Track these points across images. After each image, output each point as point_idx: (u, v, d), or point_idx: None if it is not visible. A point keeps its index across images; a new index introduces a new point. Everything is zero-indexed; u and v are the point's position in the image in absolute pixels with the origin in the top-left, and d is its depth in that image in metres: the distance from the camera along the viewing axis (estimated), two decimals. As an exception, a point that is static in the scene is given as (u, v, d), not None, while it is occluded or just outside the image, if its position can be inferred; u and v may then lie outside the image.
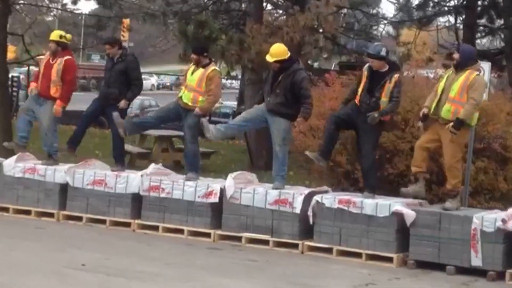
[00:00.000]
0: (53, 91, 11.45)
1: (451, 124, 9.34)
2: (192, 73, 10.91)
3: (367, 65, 10.14)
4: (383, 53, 9.94)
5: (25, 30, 20.09)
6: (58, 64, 11.46)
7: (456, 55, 9.57)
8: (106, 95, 11.40)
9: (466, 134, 9.74)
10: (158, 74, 58.09)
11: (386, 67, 9.96)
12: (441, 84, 9.59)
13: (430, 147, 9.71)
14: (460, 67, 9.49)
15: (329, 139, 10.16)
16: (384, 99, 9.87)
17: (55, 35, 11.73)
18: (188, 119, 10.84)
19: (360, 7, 22.06)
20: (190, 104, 10.79)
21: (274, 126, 10.34)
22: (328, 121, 10.29)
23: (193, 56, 10.97)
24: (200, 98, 10.79)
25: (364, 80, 10.03)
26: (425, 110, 9.61)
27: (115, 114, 10.95)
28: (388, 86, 9.85)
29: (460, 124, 9.33)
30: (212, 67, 10.93)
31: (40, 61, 12.14)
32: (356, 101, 10.04)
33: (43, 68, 11.63)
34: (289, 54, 10.38)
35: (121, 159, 11.51)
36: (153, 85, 57.65)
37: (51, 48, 11.62)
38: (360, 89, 10.03)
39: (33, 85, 11.87)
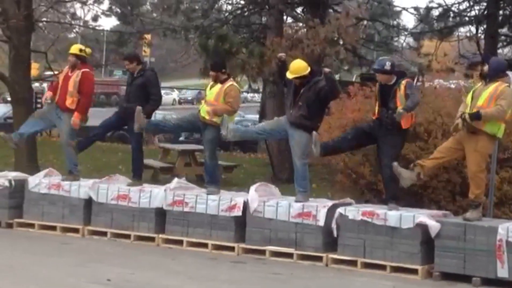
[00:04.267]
0: (69, 102, 11.54)
1: (467, 113, 9.28)
2: (211, 88, 11.02)
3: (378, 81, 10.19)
4: (387, 67, 9.91)
5: (48, 47, 20.26)
6: (75, 76, 11.57)
7: (485, 67, 9.53)
8: (125, 109, 11.47)
9: (491, 145, 9.62)
10: (179, 88, 58.39)
11: (394, 79, 9.95)
12: (469, 96, 9.53)
13: (449, 155, 9.59)
14: (489, 78, 9.44)
15: (339, 142, 10.16)
16: (400, 108, 9.81)
17: (75, 48, 11.85)
18: (207, 133, 10.88)
19: (380, 18, 22.04)
20: (207, 117, 10.83)
21: (295, 139, 10.34)
22: (350, 129, 10.28)
23: (211, 72, 11.08)
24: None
25: (377, 97, 10.07)
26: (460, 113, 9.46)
27: (139, 108, 10.90)
28: (400, 94, 9.83)
29: (476, 116, 9.23)
30: (229, 82, 10.97)
31: (59, 74, 12.32)
32: (375, 115, 10.05)
33: (62, 80, 11.78)
34: (309, 69, 10.40)
35: (138, 173, 11.55)
36: (174, 99, 57.90)
37: (71, 62, 11.74)
38: (376, 106, 10.06)
39: (48, 93, 11.99)
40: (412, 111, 9.85)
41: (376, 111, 10.00)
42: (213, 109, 10.74)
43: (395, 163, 9.66)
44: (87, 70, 11.71)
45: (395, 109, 9.78)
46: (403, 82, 9.87)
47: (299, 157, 10.32)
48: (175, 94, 59.22)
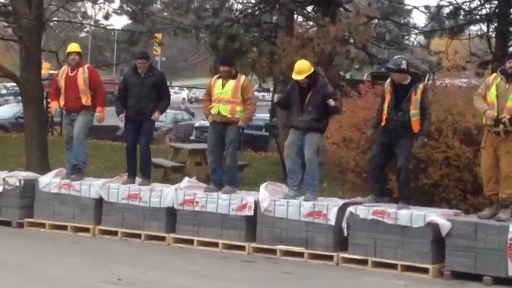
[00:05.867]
0: (85, 100, 11.64)
1: (508, 117, 9.17)
2: (223, 86, 10.91)
3: (388, 80, 10.16)
4: (403, 66, 9.93)
5: (59, 46, 20.29)
6: (82, 73, 11.66)
7: (509, 64, 9.33)
8: (139, 110, 11.46)
9: None
10: (189, 87, 58.45)
11: (409, 79, 9.95)
12: (493, 93, 9.41)
13: (496, 167, 9.48)
14: None
15: (377, 180, 10.19)
16: (413, 111, 9.86)
17: (76, 47, 11.93)
18: (230, 134, 10.83)
19: (391, 17, 22.00)
20: (229, 116, 10.82)
21: (307, 140, 10.36)
22: (371, 167, 10.29)
23: (225, 68, 10.94)
24: (238, 108, 10.82)
25: (388, 96, 10.04)
26: (491, 112, 9.31)
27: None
28: (416, 98, 9.85)
29: None
30: (243, 76, 11.01)
31: (54, 79, 12.28)
32: (383, 119, 10.03)
33: (64, 82, 11.78)
34: (313, 68, 10.47)
35: (146, 172, 11.56)
36: (183, 98, 57.91)
37: (75, 60, 11.79)
38: (386, 106, 10.04)
39: (54, 104, 12.04)
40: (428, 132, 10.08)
41: (385, 111, 9.98)
42: (244, 121, 10.85)
43: (499, 215, 9.45)
44: (89, 65, 11.95)
45: (407, 112, 9.83)
46: (420, 86, 9.91)
47: (310, 156, 10.31)
48: (184, 93, 59.25)
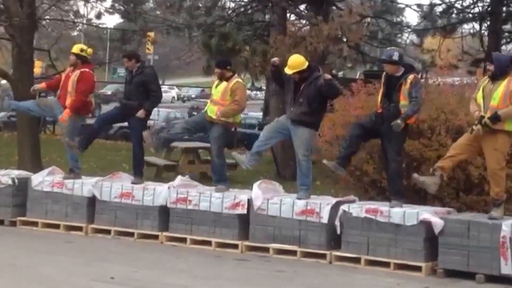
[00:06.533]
0: (68, 101, 11.66)
1: (488, 116, 9.17)
2: (216, 86, 10.99)
3: (385, 72, 10.15)
4: (395, 57, 9.84)
5: (51, 45, 20.26)
6: (74, 76, 11.68)
7: (490, 67, 9.38)
8: (125, 107, 11.51)
9: (509, 141, 9.44)
10: (179, 86, 58.46)
11: (401, 71, 9.89)
12: (480, 95, 9.42)
13: (465, 152, 9.55)
14: (496, 77, 9.32)
15: (349, 147, 10.12)
16: (403, 102, 9.77)
17: (76, 48, 11.96)
18: (213, 131, 10.88)
19: (384, 15, 22.05)
20: (214, 117, 10.83)
21: (297, 136, 10.33)
22: (351, 129, 10.27)
23: (217, 70, 11.05)
24: None
25: (382, 87, 10.04)
26: (477, 113, 9.35)
27: (145, 134, 11.06)
28: (404, 88, 9.76)
29: (496, 118, 9.14)
30: (235, 79, 10.96)
31: (64, 72, 12.47)
32: (378, 109, 10.04)
33: (64, 79, 11.91)
34: (307, 64, 10.37)
35: (139, 170, 11.55)
36: (173, 97, 57.84)
37: (71, 61, 11.90)
38: (379, 97, 10.04)
39: (41, 85, 12.40)
40: (411, 117, 9.84)
41: (379, 101, 9.99)
42: (222, 113, 10.71)
43: (415, 175, 9.64)
44: (86, 70, 11.76)
45: (397, 102, 9.77)
46: (410, 77, 9.79)
47: (302, 154, 10.31)
48: (174, 92, 59.24)
